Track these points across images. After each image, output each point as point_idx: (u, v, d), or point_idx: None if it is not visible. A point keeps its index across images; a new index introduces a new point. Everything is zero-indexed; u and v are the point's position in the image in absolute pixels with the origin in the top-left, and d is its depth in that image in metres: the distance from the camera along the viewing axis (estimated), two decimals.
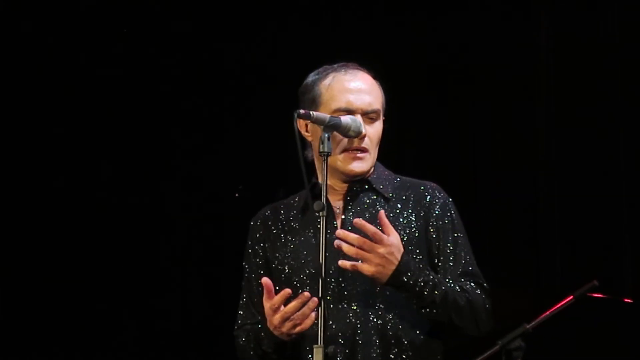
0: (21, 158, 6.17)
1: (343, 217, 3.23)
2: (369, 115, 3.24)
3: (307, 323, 3.01)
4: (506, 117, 5.86)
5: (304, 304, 2.99)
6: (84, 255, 6.16)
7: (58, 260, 6.15)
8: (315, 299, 2.97)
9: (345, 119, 3.15)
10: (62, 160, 6.18)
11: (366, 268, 3.02)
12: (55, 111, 6.18)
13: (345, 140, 3.20)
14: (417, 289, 3.07)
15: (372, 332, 3.13)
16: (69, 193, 6.18)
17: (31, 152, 6.17)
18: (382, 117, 3.29)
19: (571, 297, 4.14)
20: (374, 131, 3.23)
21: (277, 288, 3.07)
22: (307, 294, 2.98)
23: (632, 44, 5.56)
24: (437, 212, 3.24)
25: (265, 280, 3.06)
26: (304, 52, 5.74)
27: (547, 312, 4.09)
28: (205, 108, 6.27)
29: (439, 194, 3.28)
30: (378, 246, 3.00)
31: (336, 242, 3.02)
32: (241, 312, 3.32)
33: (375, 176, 3.29)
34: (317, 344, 2.91)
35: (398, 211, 3.23)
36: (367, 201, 3.25)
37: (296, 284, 3.15)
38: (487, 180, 5.76)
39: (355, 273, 3.10)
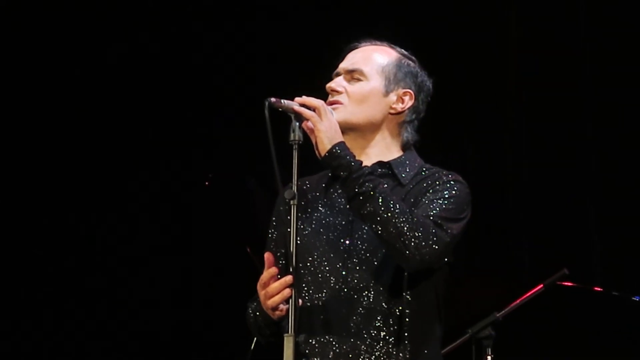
0: None
1: None
2: (351, 74, 3.28)
3: (284, 309, 2.99)
4: (476, 103, 5.86)
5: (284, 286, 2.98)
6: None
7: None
8: (288, 278, 2.96)
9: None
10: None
11: (318, 123, 3.07)
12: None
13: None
14: (351, 169, 3.04)
15: (374, 317, 3.12)
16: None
17: None
18: (370, 80, 3.27)
19: (541, 285, 4.15)
20: (352, 89, 3.26)
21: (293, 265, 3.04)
22: (288, 277, 2.97)
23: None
24: (436, 185, 3.20)
25: (268, 255, 3.05)
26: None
27: (517, 301, 4.10)
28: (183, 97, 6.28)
29: (450, 176, 3.23)
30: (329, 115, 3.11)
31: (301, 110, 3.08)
32: None
33: (399, 160, 3.26)
34: (289, 332, 2.90)
35: (412, 198, 3.17)
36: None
37: (306, 261, 3.14)
38: (455, 168, 5.75)
39: (359, 257, 3.11)
